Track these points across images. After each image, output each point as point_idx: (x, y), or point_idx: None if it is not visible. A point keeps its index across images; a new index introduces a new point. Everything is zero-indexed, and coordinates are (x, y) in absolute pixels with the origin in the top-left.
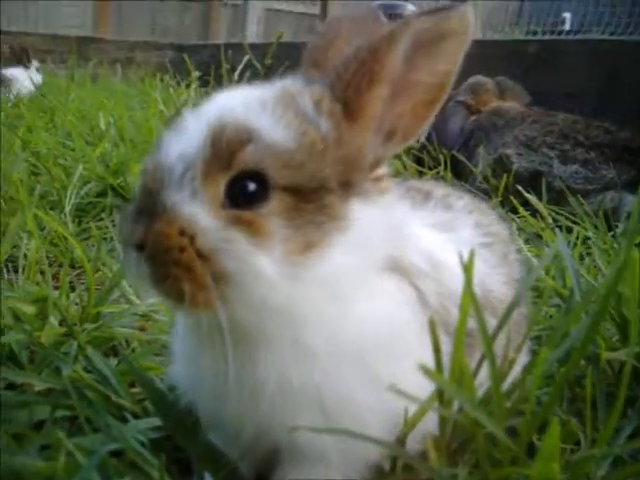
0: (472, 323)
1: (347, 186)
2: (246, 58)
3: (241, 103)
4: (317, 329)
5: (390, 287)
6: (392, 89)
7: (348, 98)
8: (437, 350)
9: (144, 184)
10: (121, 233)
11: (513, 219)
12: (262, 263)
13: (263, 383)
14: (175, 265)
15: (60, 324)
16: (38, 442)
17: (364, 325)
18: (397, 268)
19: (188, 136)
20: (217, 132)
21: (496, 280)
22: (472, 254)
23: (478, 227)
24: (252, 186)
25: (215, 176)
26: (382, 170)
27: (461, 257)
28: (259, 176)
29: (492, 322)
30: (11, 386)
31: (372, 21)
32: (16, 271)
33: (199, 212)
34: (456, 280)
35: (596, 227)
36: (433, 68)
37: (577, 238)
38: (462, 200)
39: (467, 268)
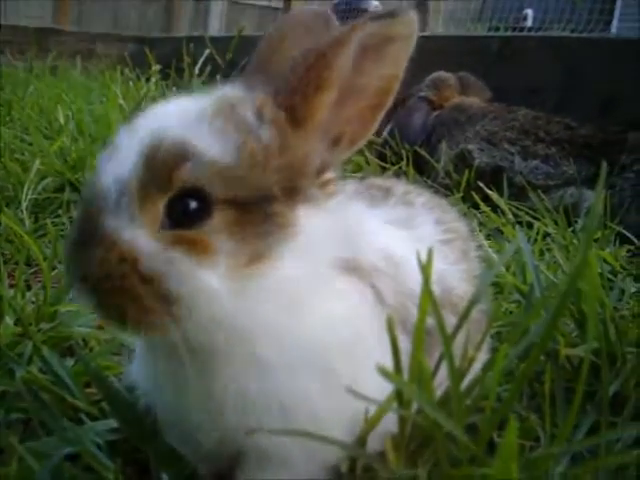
0: (431, 321)
1: (293, 193)
2: (207, 52)
3: (177, 117)
4: (271, 341)
5: (345, 290)
6: (339, 94)
7: (295, 104)
8: (395, 350)
9: (82, 212)
10: (64, 265)
11: (475, 214)
12: (208, 280)
13: (223, 396)
14: (118, 293)
15: (15, 324)
16: None
17: (320, 331)
18: (353, 269)
19: (122, 157)
20: (151, 151)
21: (456, 277)
22: (430, 252)
23: (438, 224)
24: (193, 204)
25: (153, 197)
26: (330, 174)
27: (419, 255)
28: (199, 193)
29: (453, 320)
30: None
31: (322, 23)
32: None
33: (139, 236)
34: (415, 278)
35: (556, 223)
36: (379, 72)
37: (537, 233)
38: (422, 197)
39: (425, 267)
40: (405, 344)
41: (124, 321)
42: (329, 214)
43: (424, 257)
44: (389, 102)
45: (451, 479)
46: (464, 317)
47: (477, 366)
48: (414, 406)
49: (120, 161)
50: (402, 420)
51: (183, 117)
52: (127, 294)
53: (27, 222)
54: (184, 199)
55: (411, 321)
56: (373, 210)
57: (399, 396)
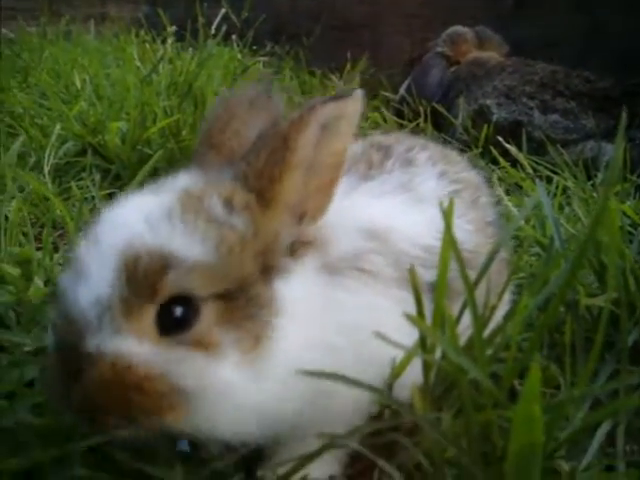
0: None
1: (268, 270)
2: (222, 12)
3: (145, 222)
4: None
5: (352, 315)
6: (302, 172)
7: (262, 187)
8: (418, 298)
9: (59, 341)
10: (53, 401)
11: (494, 170)
12: (226, 373)
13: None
14: (119, 399)
15: (45, 284)
16: (30, 400)
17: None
18: (348, 275)
19: (94, 277)
20: (130, 264)
21: (466, 229)
22: (452, 201)
23: (443, 177)
24: (179, 311)
25: (138, 308)
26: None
27: (439, 210)
28: (186, 297)
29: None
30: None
31: (265, 100)
32: None
33: (128, 345)
34: (409, 241)
35: (575, 177)
36: (332, 148)
37: (557, 188)
38: (426, 151)
39: (446, 214)
40: (411, 304)
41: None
42: (304, 279)
43: (427, 217)
44: (341, 175)
45: (475, 423)
46: (486, 266)
47: (499, 315)
48: (438, 353)
49: (93, 280)
50: (426, 366)
51: (152, 221)
52: (131, 399)
53: (50, 186)
54: (170, 307)
55: (419, 282)
56: (365, 184)
57: (423, 342)
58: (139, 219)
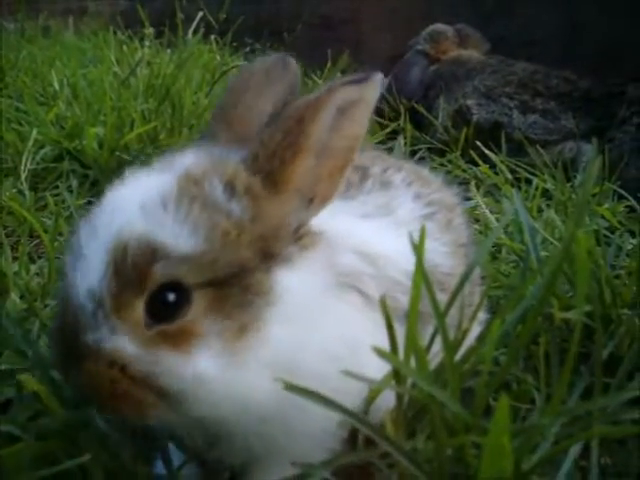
0: (421, 304)
1: (269, 257)
2: (200, 15)
3: (138, 207)
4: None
5: (341, 319)
6: (314, 155)
7: (273, 169)
8: (390, 331)
9: (60, 327)
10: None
11: (473, 171)
12: (202, 366)
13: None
14: (112, 398)
15: (21, 298)
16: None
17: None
18: (340, 286)
19: (88, 265)
20: (118, 256)
21: (441, 252)
22: (423, 230)
23: (418, 199)
24: (171, 297)
25: (129, 301)
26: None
27: (410, 239)
28: (175, 286)
29: (440, 296)
30: None
31: (281, 67)
32: None
33: (123, 343)
34: (396, 266)
35: (554, 178)
36: (346, 133)
37: (536, 189)
38: (401, 173)
39: (417, 248)
40: (399, 330)
41: (124, 417)
42: (307, 270)
43: (406, 243)
44: (353, 161)
45: (447, 447)
46: (456, 293)
47: (476, 328)
48: (409, 381)
49: (88, 270)
50: (399, 395)
51: (145, 207)
52: (120, 397)
53: (27, 194)
54: (161, 294)
55: (401, 308)
56: (348, 204)
57: (396, 373)
58: (135, 203)
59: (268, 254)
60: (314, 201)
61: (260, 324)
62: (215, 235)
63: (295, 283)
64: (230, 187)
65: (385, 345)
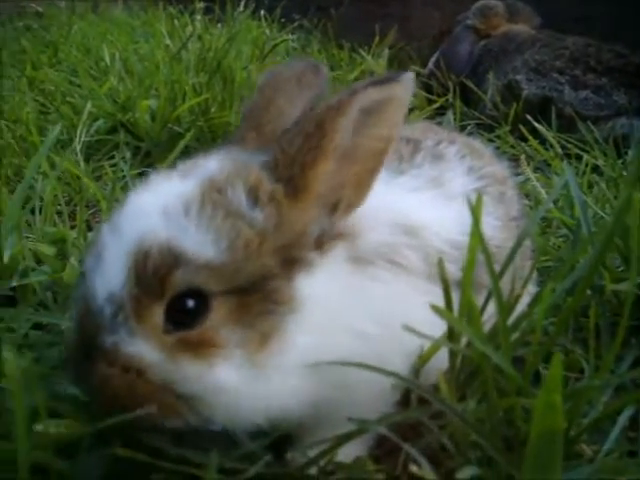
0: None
1: (291, 265)
2: None
3: (160, 213)
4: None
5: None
6: (338, 159)
7: (293, 175)
8: (447, 291)
9: (78, 327)
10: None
11: (523, 147)
12: (222, 376)
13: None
14: (127, 402)
15: (80, 264)
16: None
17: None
18: (371, 261)
19: (109, 268)
20: (139, 261)
21: (493, 225)
22: (479, 197)
23: (471, 172)
24: (190, 303)
25: (148, 306)
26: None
27: (469, 200)
28: (195, 292)
29: None
30: (37, 326)
31: (313, 73)
32: (32, 213)
33: (141, 348)
34: (441, 237)
35: (605, 154)
36: (375, 134)
37: (586, 166)
38: (454, 146)
39: (475, 208)
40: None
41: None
42: (328, 276)
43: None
44: (384, 163)
45: (498, 409)
46: (507, 263)
47: (525, 300)
48: (463, 341)
49: (109, 273)
50: (452, 354)
51: (167, 212)
52: (139, 400)
53: (82, 164)
54: (181, 300)
55: (450, 276)
56: (396, 178)
57: (450, 332)
58: (158, 209)
59: (289, 262)
60: (339, 207)
61: (282, 333)
62: (237, 244)
63: (317, 289)
64: (253, 195)
65: (428, 312)
